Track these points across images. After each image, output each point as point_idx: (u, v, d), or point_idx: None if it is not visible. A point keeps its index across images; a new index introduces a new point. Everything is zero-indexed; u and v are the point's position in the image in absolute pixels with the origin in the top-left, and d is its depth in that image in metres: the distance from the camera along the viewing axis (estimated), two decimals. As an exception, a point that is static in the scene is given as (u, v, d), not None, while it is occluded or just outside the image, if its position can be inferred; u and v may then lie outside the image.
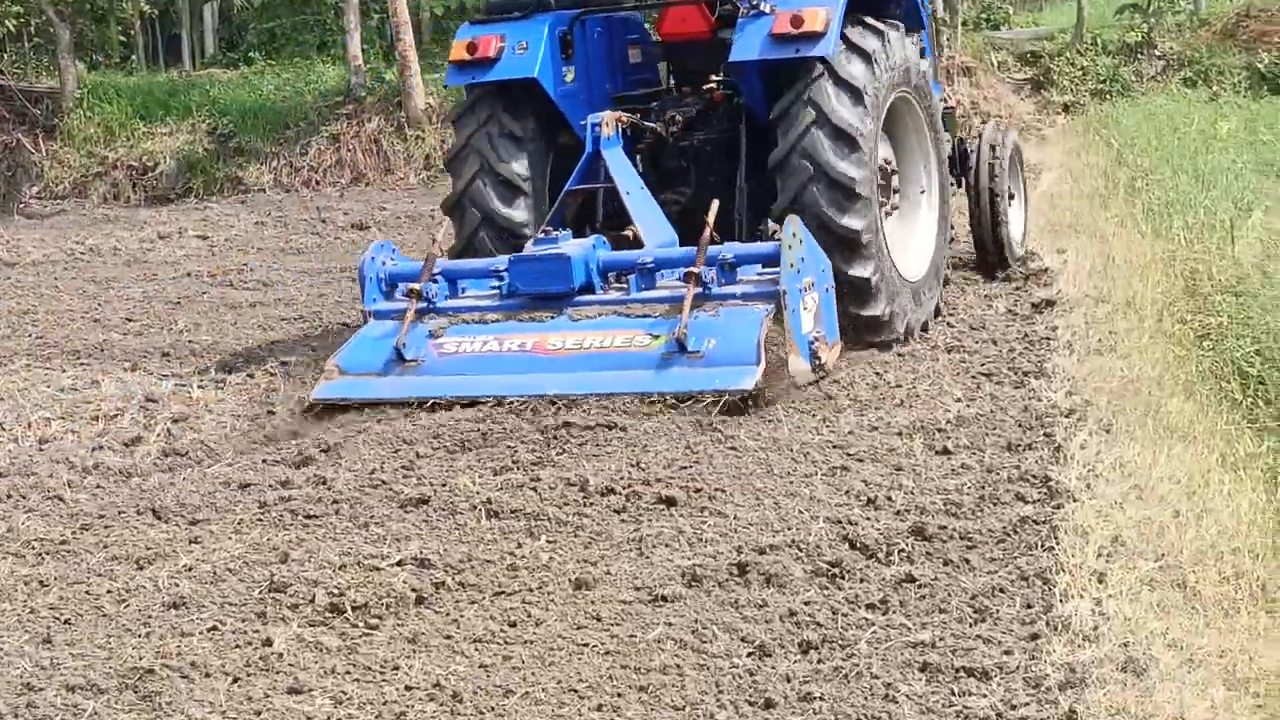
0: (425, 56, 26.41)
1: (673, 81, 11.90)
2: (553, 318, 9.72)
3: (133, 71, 30.42)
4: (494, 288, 10.08)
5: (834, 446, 7.78)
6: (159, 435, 8.90)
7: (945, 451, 7.58)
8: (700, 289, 9.28)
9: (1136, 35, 25.26)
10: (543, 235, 10.08)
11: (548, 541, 6.60)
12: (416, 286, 9.85)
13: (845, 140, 9.99)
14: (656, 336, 9.35)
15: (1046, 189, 16.55)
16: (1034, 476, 6.99)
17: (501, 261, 10.06)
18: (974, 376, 9.08)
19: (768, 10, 10.25)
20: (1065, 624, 5.25)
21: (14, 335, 12.09)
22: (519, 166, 10.91)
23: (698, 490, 7.14)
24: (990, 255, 12.22)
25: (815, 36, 10.05)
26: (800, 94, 10.13)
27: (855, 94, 10.10)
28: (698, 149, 11.27)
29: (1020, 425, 7.91)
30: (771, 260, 9.51)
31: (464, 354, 9.64)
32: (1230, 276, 10.18)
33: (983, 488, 6.93)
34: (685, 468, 7.54)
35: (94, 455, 8.44)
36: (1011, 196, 12.26)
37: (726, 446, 7.87)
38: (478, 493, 7.26)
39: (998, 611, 5.47)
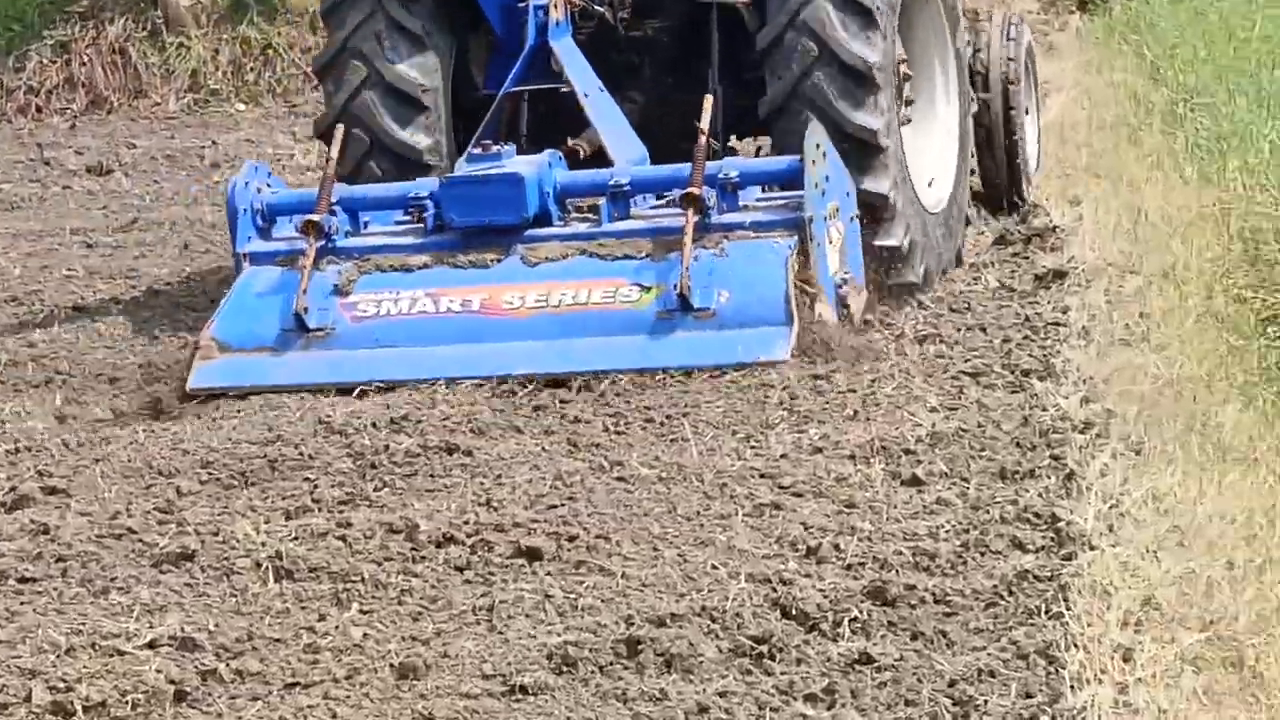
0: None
1: None
2: (499, 260, 9.93)
3: None
4: (405, 221, 10.44)
5: (762, 476, 7.79)
6: None
7: (915, 482, 7.61)
8: (700, 217, 9.47)
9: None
10: (478, 151, 10.22)
11: (361, 612, 6.55)
12: (315, 218, 9.90)
13: (859, 11, 10.33)
14: (647, 288, 9.63)
15: (1056, 117, 16.60)
16: (1037, 516, 7.02)
17: (424, 186, 10.29)
18: (955, 378, 9.13)
19: None
20: (1078, 720, 5.27)
21: None
22: (416, 73, 11.16)
23: (572, 538, 7.12)
24: (1001, 188, 12.53)
25: None
26: None
27: None
28: (653, 40, 11.67)
29: (1018, 445, 7.96)
30: (787, 179, 9.83)
31: (388, 318, 9.84)
32: (1306, 237, 10.29)
33: (966, 532, 6.95)
34: (554, 506, 7.52)
35: None
36: (1027, 111, 12.42)
37: (612, 476, 7.88)
38: (263, 544, 7.19)
39: (986, 704, 5.48)
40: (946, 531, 6.97)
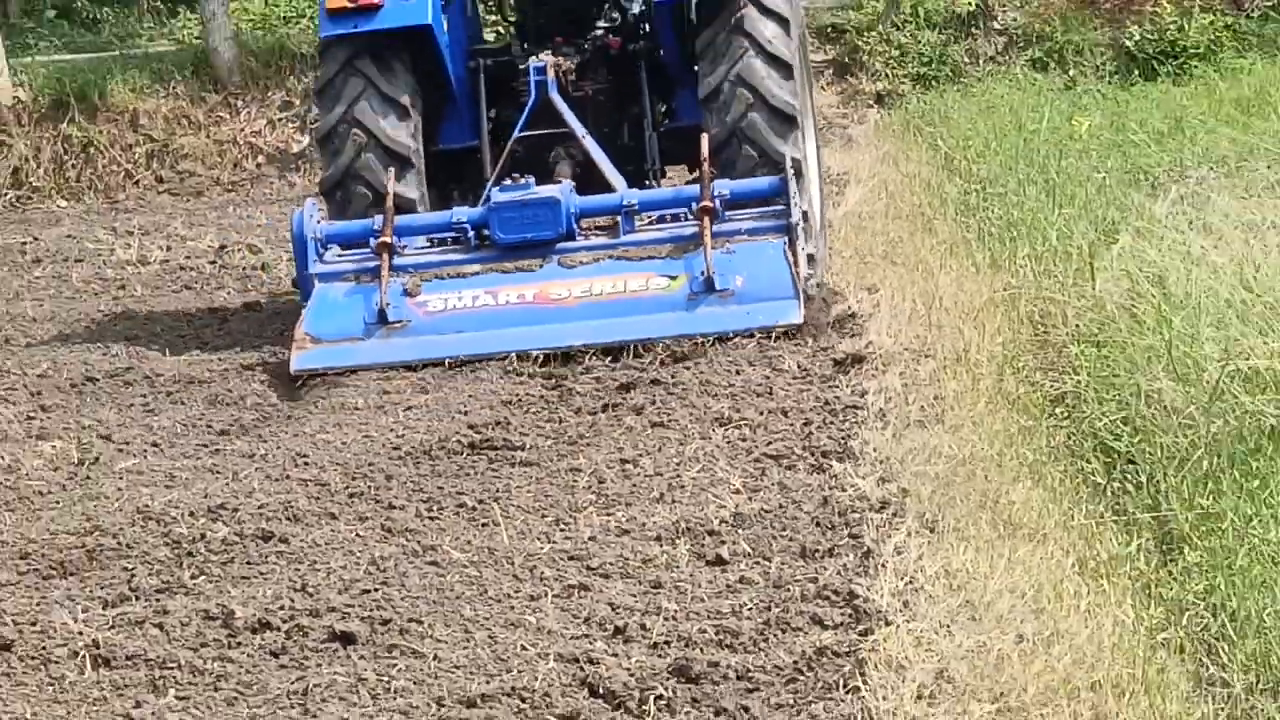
0: (12, 35, 26.04)
1: (524, 32, 14.59)
2: (541, 265, 12.22)
3: None
4: (449, 240, 12.69)
5: (570, 558, 7.78)
6: None
7: (719, 561, 7.60)
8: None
9: (969, 3, 25.86)
10: (509, 182, 12.38)
11: (177, 698, 6.46)
12: (387, 239, 12.11)
13: (781, 67, 12.82)
14: (674, 278, 12.01)
15: (854, 207, 16.79)
16: (835, 593, 7.04)
17: (463, 213, 12.61)
18: (757, 460, 9.14)
19: None
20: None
21: None
22: (405, 136, 13.11)
23: (385, 622, 7.06)
24: None
25: None
26: (727, 24, 12.90)
27: (782, 21, 12.93)
28: (590, 99, 13.93)
29: (818, 524, 7.97)
30: (769, 195, 12.30)
31: (456, 310, 12.06)
32: (1091, 322, 10.38)
33: (768, 609, 6.96)
34: (368, 591, 7.46)
35: None
36: None
37: (425, 560, 7.83)
38: (80, 633, 7.08)
39: (787, 776, 5.49)
40: (749, 609, 6.97)
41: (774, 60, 12.74)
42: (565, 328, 11.75)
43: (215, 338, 13.12)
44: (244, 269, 15.93)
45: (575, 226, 12.33)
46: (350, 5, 12.78)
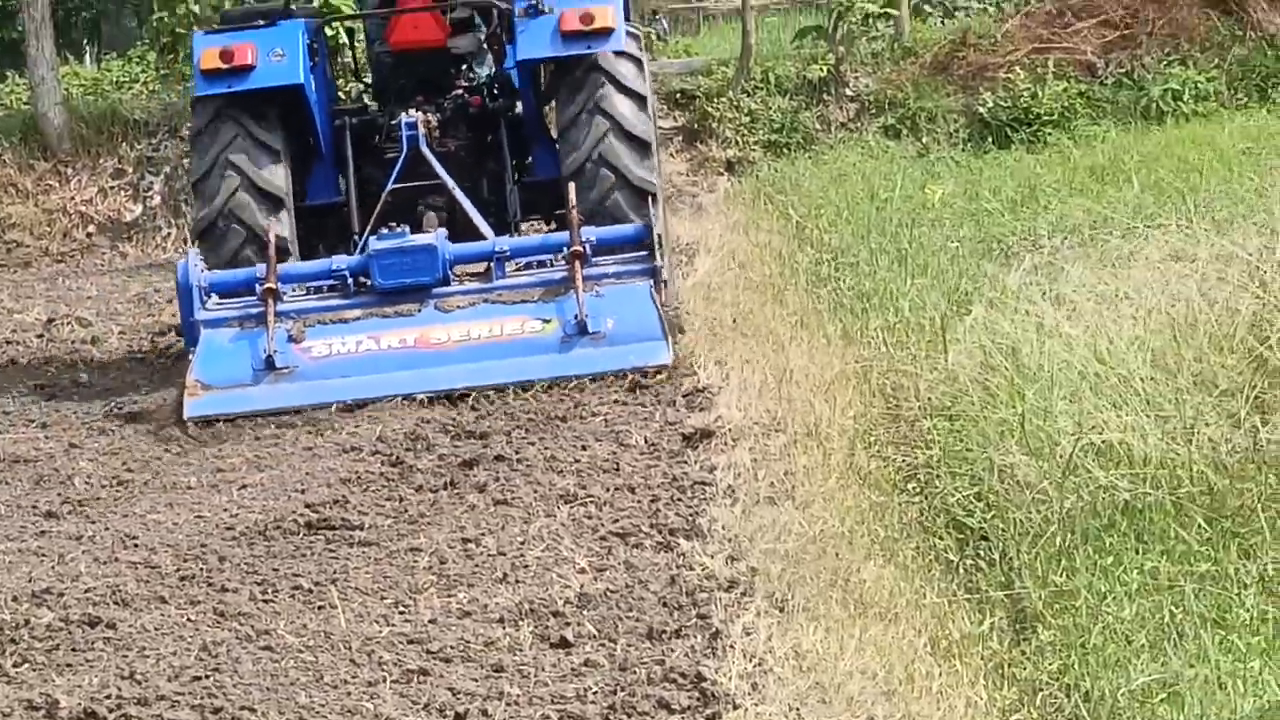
0: None
1: (384, 93, 15.95)
2: (419, 310, 13.17)
3: None
4: (327, 287, 13.50)
5: (410, 641, 7.73)
6: None
7: (564, 644, 7.58)
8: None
9: (821, 69, 26.06)
10: (386, 230, 13.36)
11: (-5, 794, 6.39)
12: (272, 286, 12.92)
13: (640, 146, 14.09)
14: (548, 321, 13.01)
15: (703, 278, 16.84)
16: (683, 675, 7.04)
17: (342, 261, 13.49)
18: (603, 538, 9.12)
19: (547, 10, 14.01)
20: None
21: None
22: (278, 179, 14.15)
23: (216, 710, 7.01)
24: None
25: (606, 32, 13.98)
26: (587, 103, 14.13)
27: (639, 98, 14.19)
28: (453, 154, 14.89)
29: (666, 604, 7.97)
30: (634, 241, 13.50)
31: (341, 356, 12.96)
32: (943, 395, 10.45)
33: (614, 693, 6.96)
34: (199, 678, 7.39)
35: None
36: None
37: (258, 645, 7.76)
38: (-108, 727, 7.01)
39: None
40: (594, 693, 6.97)
41: (633, 139, 13.99)
42: (446, 370, 12.76)
43: (42, 414, 12.98)
44: (72, 342, 15.78)
45: (450, 273, 13.33)
46: (224, 66, 13.84)
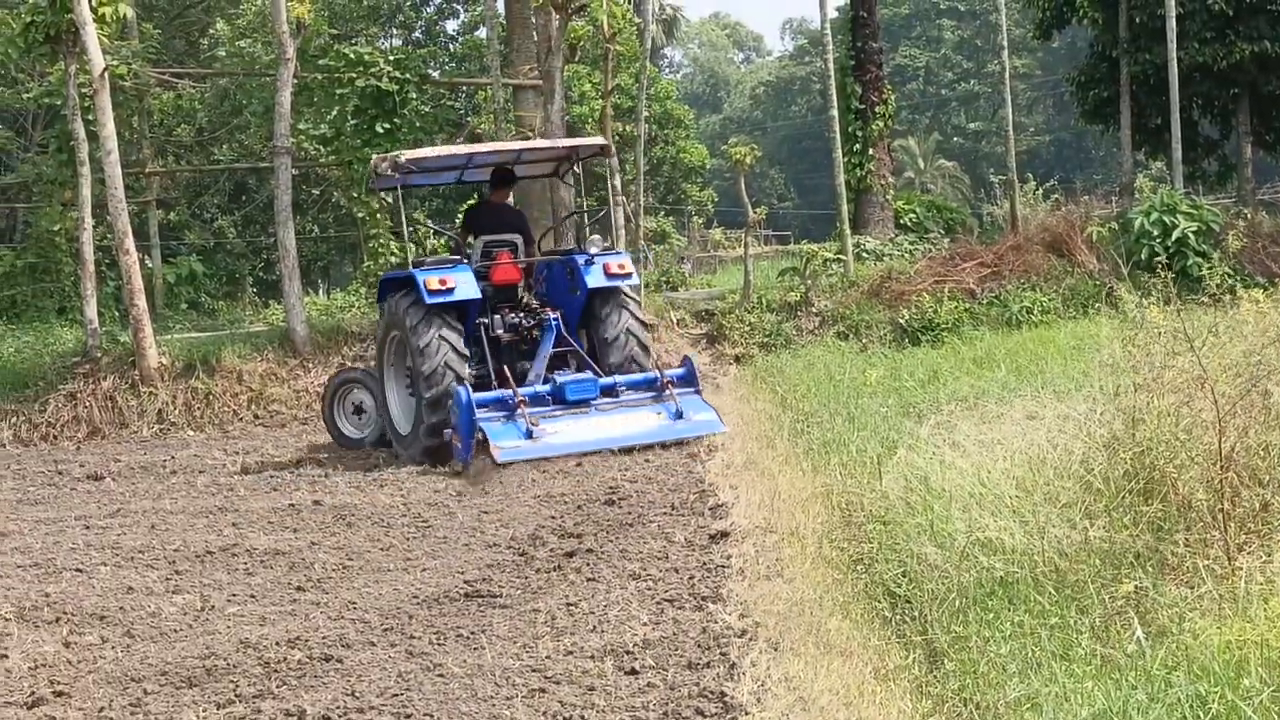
0: (158, 320, 26.06)
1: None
2: (589, 411, 15.66)
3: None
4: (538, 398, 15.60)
5: (533, 670, 7.71)
6: (-106, 682, 8.37)
7: (633, 671, 7.56)
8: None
9: (796, 295, 26.23)
10: (560, 372, 16.27)
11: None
12: (523, 398, 15.36)
13: (643, 326, 17.25)
14: (659, 414, 15.84)
15: (721, 435, 16.86)
16: (711, 693, 7.03)
17: (544, 388, 15.77)
18: (658, 602, 9.08)
19: (596, 260, 16.68)
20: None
21: None
22: (463, 348, 16.09)
23: (408, 716, 7.02)
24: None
25: (628, 274, 16.88)
26: (618, 305, 16.90)
27: (638, 305, 17.43)
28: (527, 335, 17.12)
29: (699, 646, 7.94)
30: (685, 378, 16.35)
31: (565, 431, 15.28)
32: (879, 508, 10.46)
33: (666, 704, 6.94)
34: (397, 695, 7.40)
35: None
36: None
37: (435, 674, 7.75)
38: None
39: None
40: (654, 705, 6.95)
41: (640, 323, 17.16)
42: (613, 438, 15.25)
43: (292, 523, 13.03)
44: (313, 476, 15.84)
45: (599, 394, 15.83)
46: (440, 288, 15.91)
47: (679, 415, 15.68)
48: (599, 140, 19.04)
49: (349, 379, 18.59)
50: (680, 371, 16.34)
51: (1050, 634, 7.24)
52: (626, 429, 15.41)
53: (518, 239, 17.65)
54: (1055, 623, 7.38)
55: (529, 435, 14.93)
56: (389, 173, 16.76)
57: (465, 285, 16.06)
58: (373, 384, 17.89)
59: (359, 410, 18.41)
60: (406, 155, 17.05)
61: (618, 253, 17.21)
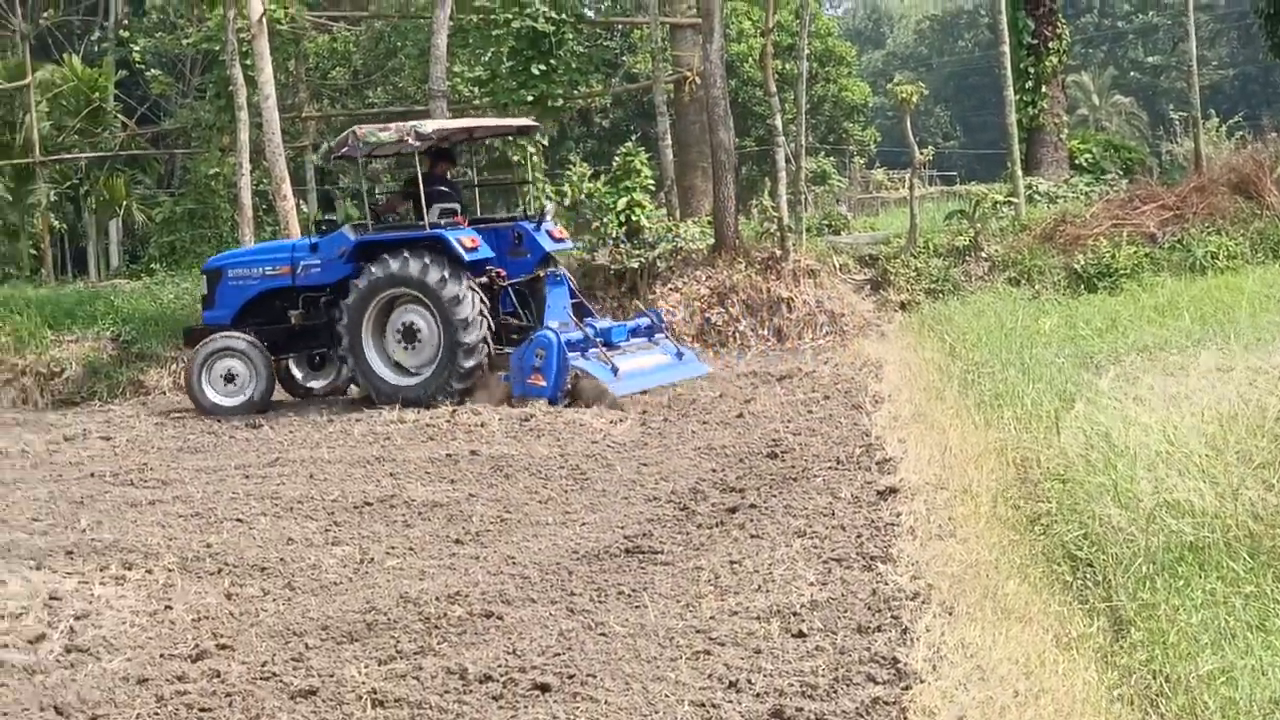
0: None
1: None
2: (624, 353, 18.17)
3: (41, 284, 30.13)
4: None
5: (697, 631, 7.66)
6: (62, 633, 8.56)
7: (800, 634, 7.48)
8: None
9: (964, 239, 25.80)
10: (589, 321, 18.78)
11: (428, 733, 6.40)
12: (600, 341, 18.00)
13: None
14: (665, 354, 18.82)
15: (887, 385, 16.68)
16: (883, 658, 6.93)
17: (588, 332, 18.02)
18: (825, 562, 8.99)
19: (542, 227, 18.96)
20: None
21: (-79, 536, 11.68)
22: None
23: (570, 676, 7.01)
24: None
25: (565, 239, 19.54)
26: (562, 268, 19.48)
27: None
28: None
29: (869, 608, 7.84)
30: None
31: (627, 369, 17.68)
32: (1057, 465, 10.21)
33: (836, 669, 6.85)
34: (558, 654, 7.40)
35: (-2, 653, 8.14)
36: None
37: (597, 633, 7.75)
38: (364, 683, 7.08)
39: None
40: (823, 670, 6.87)
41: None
42: (653, 374, 18.07)
43: (450, 473, 13.13)
44: (469, 426, 15.92)
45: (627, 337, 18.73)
46: (471, 246, 18.01)
47: (680, 356, 18.80)
48: (525, 121, 21.67)
49: (221, 348, 19.37)
50: (656, 320, 19.44)
51: (1245, 603, 7.00)
52: (656, 367, 18.15)
53: (457, 208, 19.28)
54: (1250, 591, 7.13)
55: (615, 372, 17.22)
56: (365, 146, 18.65)
57: (483, 246, 18.08)
58: (254, 353, 19.22)
59: (230, 378, 19.31)
60: (430, 126, 18.75)
61: (553, 223, 19.52)
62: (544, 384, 17.02)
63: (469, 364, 17.77)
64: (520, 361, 17.35)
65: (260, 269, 19.75)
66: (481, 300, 17.82)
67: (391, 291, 18.15)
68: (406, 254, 17.91)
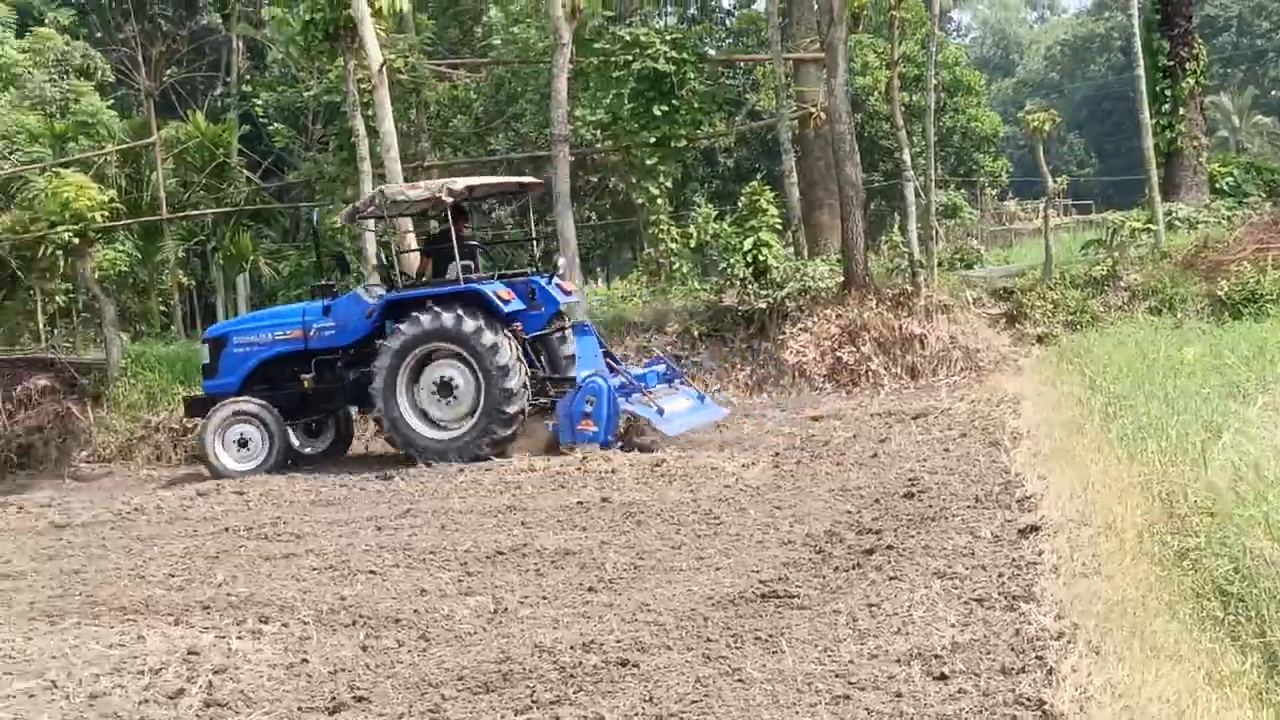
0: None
1: None
2: (660, 397, 18.59)
3: (172, 340, 30.80)
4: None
5: (836, 675, 7.64)
6: (201, 687, 8.74)
7: (943, 677, 7.43)
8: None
9: (1102, 269, 25.52)
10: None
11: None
12: (645, 387, 18.78)
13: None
14: (689, 398, 19.51)
15: (1026, 419, 16.53)
16: (1029, 700, 6.87)
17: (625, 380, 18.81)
18: (966, 602, 8.93)
19: (555, 280, 19.94)
20: None
21: (64, 594, 11.95)
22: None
23: (709, 726, 7.03)
24: None
25: (572, 293, 20.52)
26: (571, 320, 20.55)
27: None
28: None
29: (1013, 649, 7.77)
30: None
31: (669, 412, 18.28)
32: (1205, 498, 10.04)
33: (980, 713, 6.81)
34: (695, 701, 7.42)
35: (140, 709, 8.32)
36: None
37: (734, 679, 7.75)
38: (500, 733, 7.15)
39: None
40: (967, 713, 6.83)
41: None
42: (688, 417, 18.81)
43: (581, 521, 13.20)
44: (599, 473, 16.02)
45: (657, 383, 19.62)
46: (508, 299, 18.87)
47: (701, 399, 19.87)
48: (526, 179, 21.55)
49: (234, 413, 19.85)
50: (670, 367, 20.71)
51: (1405, 637, 6.86)
52: (688, 409, 18.95)
53: (471, 264, 19.75)
54: None
55: (661, 414, 17.94)
56: (394, 206, 19.50)
57: (515, 299, 18.79)
58: (267, 417, 19.69)
59: (243, 444, 19.82)
60: (464, 183, 19.46)
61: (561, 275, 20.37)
62: (595, 429, 17.78)
63: (512, 409, 18.35)
64: (568, 409, 17.97)
65: (270, 334, 20.30)
66: (520, 352, 18.55)
67: (426, 347, 18.65)
68: (438, 308, 18.47)
